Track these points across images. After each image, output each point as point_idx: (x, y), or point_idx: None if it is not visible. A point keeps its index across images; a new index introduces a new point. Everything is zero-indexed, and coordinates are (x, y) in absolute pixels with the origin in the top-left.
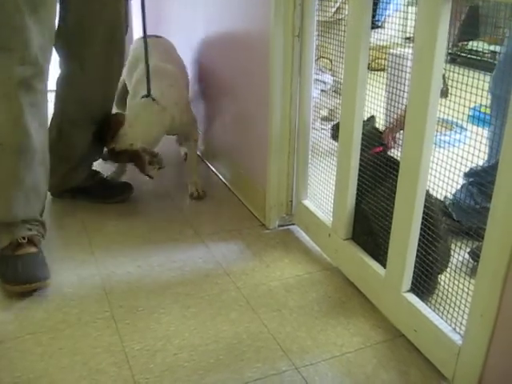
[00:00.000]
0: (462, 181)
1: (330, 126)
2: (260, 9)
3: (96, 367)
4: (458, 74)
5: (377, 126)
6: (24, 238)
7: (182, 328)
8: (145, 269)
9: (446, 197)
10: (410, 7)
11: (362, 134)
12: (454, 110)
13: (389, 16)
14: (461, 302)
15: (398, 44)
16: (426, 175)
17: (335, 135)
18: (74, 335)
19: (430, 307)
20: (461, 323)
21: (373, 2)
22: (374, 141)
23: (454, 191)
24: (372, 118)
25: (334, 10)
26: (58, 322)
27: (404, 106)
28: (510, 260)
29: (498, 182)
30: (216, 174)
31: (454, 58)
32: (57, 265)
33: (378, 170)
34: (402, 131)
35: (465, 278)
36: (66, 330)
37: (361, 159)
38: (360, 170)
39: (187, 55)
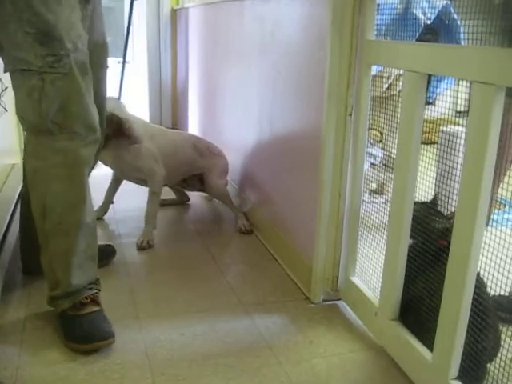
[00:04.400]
0: None
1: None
2: (314, 91)
3: None
4: None
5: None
6: (87, 298)
7: None
8: (188, 337)
9: (511, 291)
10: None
11: (425, 218)
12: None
13: (439, 94)
14: None
15: (448, 120)
16: (477, 258)
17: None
18: None
19: None
20: None
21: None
22: (440, 233)
23: None
24: (435, 197)
25: (386, 86)
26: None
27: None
28: None
29: None
30: (263, 244)
31: None
32: None
33: (428, 258)
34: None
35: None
36: None
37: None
38: (418, 256)
39: (241, 139)
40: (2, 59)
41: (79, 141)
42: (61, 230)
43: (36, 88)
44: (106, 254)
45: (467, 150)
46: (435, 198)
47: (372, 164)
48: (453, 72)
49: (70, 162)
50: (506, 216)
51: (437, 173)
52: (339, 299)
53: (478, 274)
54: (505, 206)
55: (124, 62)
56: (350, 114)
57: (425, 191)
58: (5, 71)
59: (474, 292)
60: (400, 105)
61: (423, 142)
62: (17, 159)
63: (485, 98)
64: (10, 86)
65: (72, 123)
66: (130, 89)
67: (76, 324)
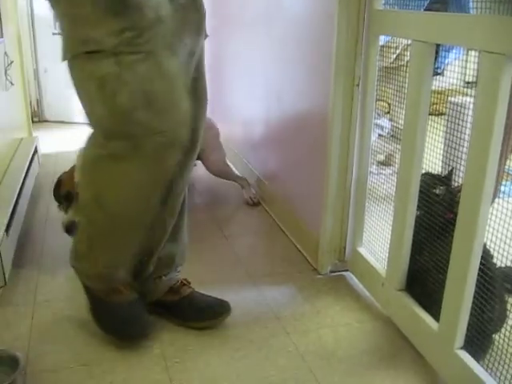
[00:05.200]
0: None
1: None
2: (321, 62)
3: None
4: None
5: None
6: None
7: (229, 370)
8: None
9: None
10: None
11: (435, 194)
12: None
13: (449, 64)
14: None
15: (457, 91)
16: (484, 229)
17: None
18: (124, 370)
19: (483, 366)
20: None
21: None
22: (448, 205)
23: None
24: (450, 172)
25: (394, 56)
26: (111, 355)
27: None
28: None
29: None
30: (271, 216)
31: None
32: None
33: (435, 229)
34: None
35: None
36: (117, 363)
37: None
38: (426, 227)
39: (250, 109)
40: (62, 44)
41: (168, 147)
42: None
43: (110, 76)
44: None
45: (475, 121)
46: (451, 172)
47: (380, 135)
48: (461, 41)
49: (151, 179)
50: None
51: (445, 144)
52: (346, 270)
53: (485, 244)
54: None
55: None
56: (358, 85)
57: (433, 162)
58: (63, 59)
59: (481, 263)
60: (408, 75)
61: (432, 114)
62: (24, 133)
63: (493, 67)
64: (16, 60)
65: (159, 122)
66: None
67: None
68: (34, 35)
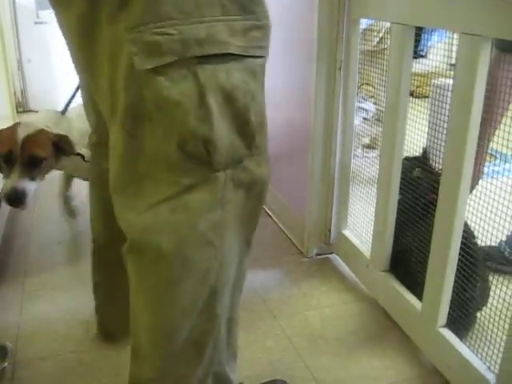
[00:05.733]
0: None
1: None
2: (303, 46)
3: None
4: None
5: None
6: None
7: None
8: None
9: (500, 241)
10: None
11: (416, 177)
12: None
13: (432, 46)
14: (496, 340)
15: (441, 74)
16: (464, 209)
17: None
18: (115, 356)
19: (465, 344)
20: (495, 362)
21: (417, 33)
22: (429, 186)
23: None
24: (424, 152)
25: (377, 39)
26: (100, 343)
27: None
28: None
29: None
30: None
31: None
32: None
33: (418, 210)
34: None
35: (500, 317)
36: (107, 350)
37: (412, 201)
38: (409, 209)
39: None
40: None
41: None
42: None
43: (240, 88)
44: None
45: (454, 102)
46: (425, 152)
47: (364, 119)
48: (440, 24)
49: (255, 205)
50: (495, 168)
51: (428, 127)
52: (332, 253)
53: (467, 224)
54: (496, 157)
55: None
56: (340, 69)
57: (418, 146)
58: (148, 65)
59: (462, 242)
60: (388, 58)
61: (416, 96)
62: (9, 123)
63: (472, 49)
64: None
65: (264, 139)
66: None
67: None
68: (16, 25)
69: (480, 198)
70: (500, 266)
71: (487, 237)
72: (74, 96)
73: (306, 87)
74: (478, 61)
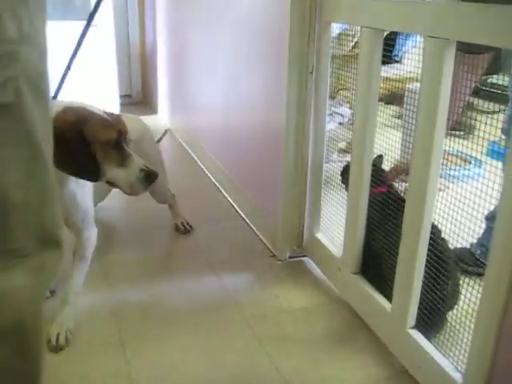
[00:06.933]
0: (483, 225)
1: (340, 169)
2: (275, 49)
3: None
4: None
5: (383, 166)
6: None
7: (187, 357)
8: (156, 297)
9: (472, 243)
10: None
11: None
12: (472, 145)
13: (406, 52)
14: (462, 340)
15: (416, 79)
16: (432, 207)
17: (345, 178)
18: (83, 360)
19: (434, 344)
20: (462, 362)
21: (391, 38)
22: (378, 180)
23: (478, 235)
24: (380, 158)
25: (352, 44)
26: (68, 345)
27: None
28: (505, 306)
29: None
30: (231, 204)
31: (476, 92)
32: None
33: (382, 209)
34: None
35: (466, 318)
36: (75, 354)
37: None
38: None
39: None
40: None
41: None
42: None
43: None
44: None
45: (420, 104)
46: (380, 157)
47: (340, 123)
48: (407, 27)
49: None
50: (465, 172)
51: (403, 132)
52: (305, 256)
53: (436, 227)
54: (470, 163)
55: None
56: (311, 72)
57: (393, 152)
58: None
59: (431, 244)
60: (358, 62)
61: (391, 103)
62: None
63: (437, 51)
64: None
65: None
66: (96, 54)
67: None
68: None
69: (451, 203)
70: (471, 267)
71: (458, 240)
72: (64, 78)
73: (278, 91)
74: (443, 63)
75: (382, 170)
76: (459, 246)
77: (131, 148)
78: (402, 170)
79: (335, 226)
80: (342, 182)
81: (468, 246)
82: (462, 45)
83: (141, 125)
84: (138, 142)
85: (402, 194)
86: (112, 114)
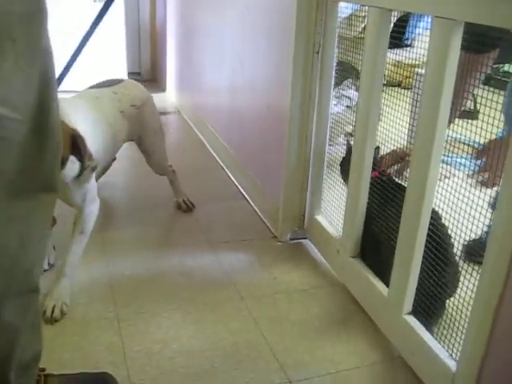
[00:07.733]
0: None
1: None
2: (282, 29)
3: (94, 365)
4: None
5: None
6: None
7: (181, 333)
8: (153, 272)
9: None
10: None
11: None
12: (482, 131)
13: (419, 35)
14: (458, 328)
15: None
16: (433, 192)
17: (344, 170)
18: (77, 332)
19: (430, 331)
20: (457, 349)
21: (403, 20)
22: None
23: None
24: (376, 149)
25: (362, 25)
26: (63, 318)
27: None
28: (502, 293)
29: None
30: (235, 184)
31: (488, 80)
32: None
33: (377, 194)
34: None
35: (463, 305)
36: (69, 326)
37: None
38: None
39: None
40: None
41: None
42: None
43: None
44: None
45: (425, 86)
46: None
47: (347, 106)
48: (414, 7)
49: None
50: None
51: (410, 117)
52: (305, 238)
53: (437, 212)
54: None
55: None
56: (318, 52)
57: (400, 137)
58: None
59: (431, 230)
60: (365, 43)
61: (404, 87)
62: None
63: (444, 32)
64: None
65: None
66: (105, 31)
67: None
68: None
69: (458, 192)
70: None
71: (467, 233)
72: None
73: (284, 70)
74: (450, 44)
75: (376, 159)
76: (467, 237)
77: (134, 114)
78: (398, 155)
79: (336, 208)
80: (341, 173)
81: (477, 237)
82: (466, 44)
83: (143, 92)
84: (139, 108)
85: (395, 178)
86: (116, 79)
